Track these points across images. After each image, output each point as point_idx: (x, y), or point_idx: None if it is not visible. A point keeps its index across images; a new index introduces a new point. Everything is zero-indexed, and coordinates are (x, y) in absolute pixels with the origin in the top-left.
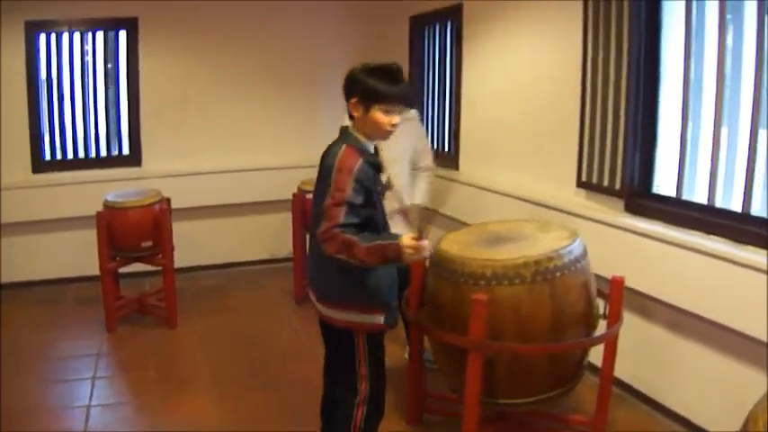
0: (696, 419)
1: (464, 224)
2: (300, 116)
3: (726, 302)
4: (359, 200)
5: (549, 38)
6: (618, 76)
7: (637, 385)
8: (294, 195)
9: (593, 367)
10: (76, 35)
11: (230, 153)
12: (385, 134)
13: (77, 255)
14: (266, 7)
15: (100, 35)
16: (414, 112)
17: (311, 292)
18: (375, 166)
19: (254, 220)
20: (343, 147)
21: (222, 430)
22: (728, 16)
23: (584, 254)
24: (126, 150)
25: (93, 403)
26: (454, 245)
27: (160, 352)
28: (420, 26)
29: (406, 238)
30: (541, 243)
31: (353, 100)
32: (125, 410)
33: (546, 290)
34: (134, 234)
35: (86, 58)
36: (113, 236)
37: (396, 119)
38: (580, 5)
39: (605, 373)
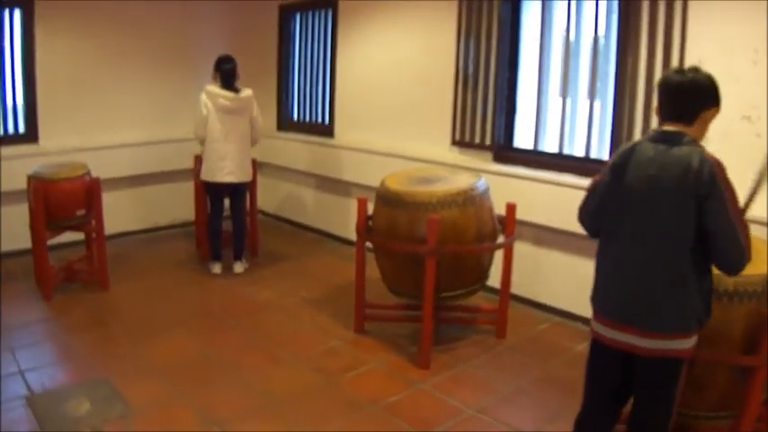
0: (561, 305)
1: (341, 181)
2: (184, 93)
3: (571, 216)
4: None
5: (424, 25)
6: (487, 62)
7: (514, 291)
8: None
9: (491, 289)
10: None
11: (123, 129)
12: None
13: None
14: None
15: None
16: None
17: None
18: None
19: (150, 190)
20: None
21: (202, 356)
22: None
23: (488, 188)
24: (21, 128)
25: (83, 354)
26: (398, 186)
27: (109, 310)
28: (289, 14)
29: None
30: (460, 180)
31: None
32: (113, 357)
33: (472, 210)
34: (69, 204)
35: None
36: (48, 207)
37: None
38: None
39: (506, 269)
